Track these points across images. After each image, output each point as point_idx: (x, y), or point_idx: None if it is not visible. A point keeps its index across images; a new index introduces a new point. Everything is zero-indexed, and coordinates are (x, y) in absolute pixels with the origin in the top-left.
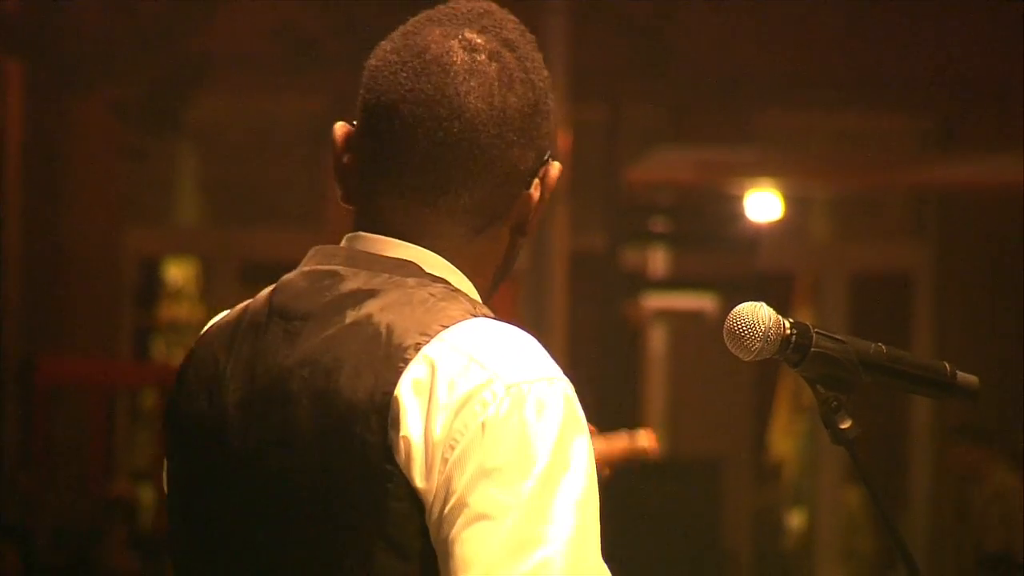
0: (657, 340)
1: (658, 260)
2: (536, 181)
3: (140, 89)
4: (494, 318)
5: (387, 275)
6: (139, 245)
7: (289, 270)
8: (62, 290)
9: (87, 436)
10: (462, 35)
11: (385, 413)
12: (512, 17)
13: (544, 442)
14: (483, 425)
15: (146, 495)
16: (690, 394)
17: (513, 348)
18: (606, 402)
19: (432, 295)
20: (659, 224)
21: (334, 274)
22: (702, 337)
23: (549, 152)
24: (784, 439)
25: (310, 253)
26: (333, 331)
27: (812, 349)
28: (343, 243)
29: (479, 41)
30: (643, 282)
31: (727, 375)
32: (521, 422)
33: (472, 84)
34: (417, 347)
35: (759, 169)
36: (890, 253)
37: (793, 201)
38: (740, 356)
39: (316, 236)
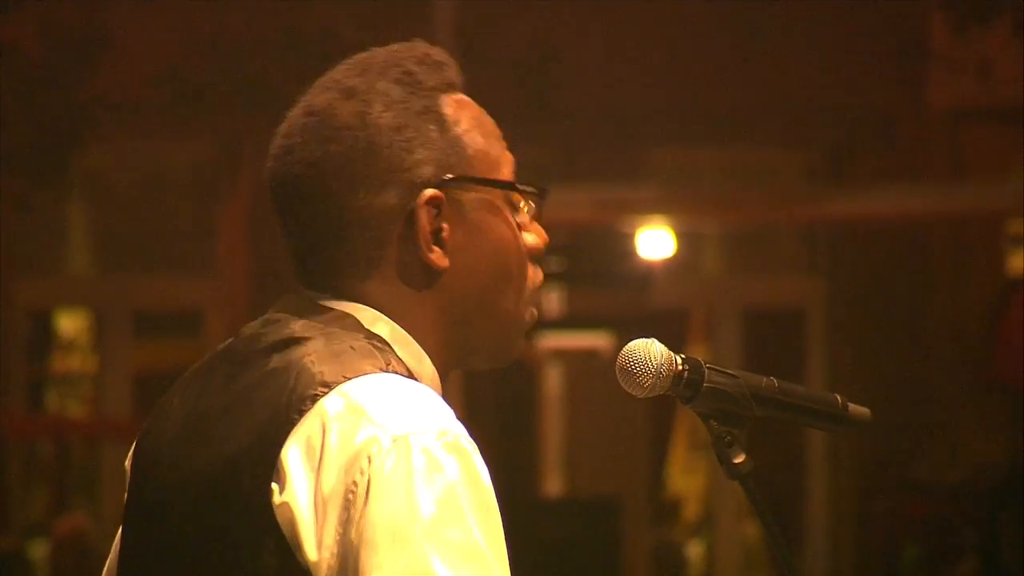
0: (553, 379)
1: (552, 300)
2: (411, 213)
3: (26, 139)
4: (405, 375)
5: (323, 325)
6: (29, 297)
7: (182, 318)
8: None
9: None
10: (306, 101)
11: (270, 472)
12: (376, 56)
13: (431, 495)
14: (369, 481)
15: (37, 550)
16: (587, 432)
17: (408, 403)
18: (504, 441)
19: (352, 348)
20: (552, 264)
21: (278, 320)
22: (597, 375)
23: (433, 179)
24: (682, 475)
25: (280, 298)
26: (256, 376)
27: (704, 384)
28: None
29: (316, 102)
30: (538, 322)
31: (623, 413)
32: (407, 475)
33: (295, 148)
34: (314, 399)
35: (651, 206)
36: (782, 287)
37: (685, 237)
38: (633, 393)
39: (209, 283)
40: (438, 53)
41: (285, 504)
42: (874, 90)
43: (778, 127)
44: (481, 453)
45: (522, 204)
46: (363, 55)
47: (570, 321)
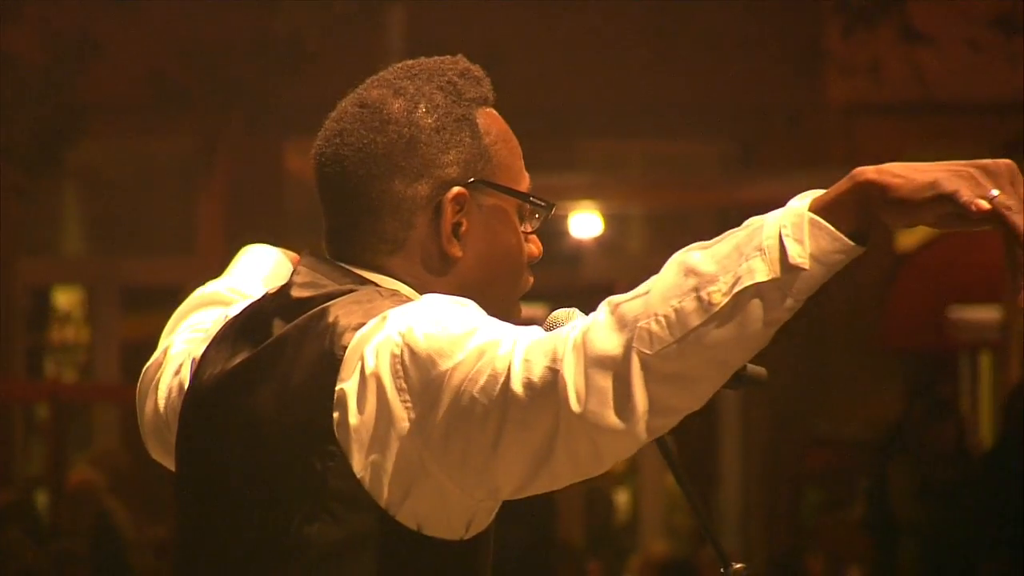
0: None
1: None
2: (438, 205)
3: (24, 133)
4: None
5: (349, 285)
6: (29, 274)
7: (166, 293)
8: None
9: None
10: (358, 94)
11: (328, 402)
12: (425, 64)
13: (445, 311)
14: (404, 348)
15: (37, 501)
16: None
17: (425, 304)
18: None
19: (379, 294)
20: None
21: (309, 281)
22: None
23: (460, 179)
24: None
25: (302, 261)
26: (293, 326)
27: None
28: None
29: (368, 96)
30: None
31: None
32: (432, 306)
33: (345, 132)
34: (358, 327)
35: (582, 192)
36: None
37: (612, 219)
38: None
39: (189, 261)
40: (477, 70)
41: (343, 425)
42: (778, 88)
43: (695, 121)
44: None
45: (530, 216)
46: (412, 61)
47: None
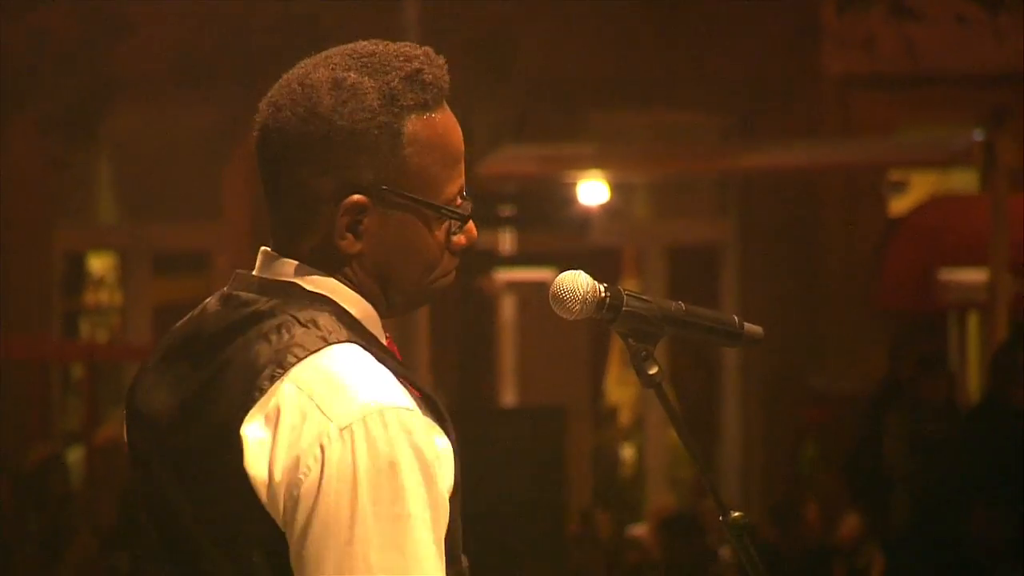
0: (507, 307)
1: (506, 240)
2: (340, 206)
3: (61, 106)
4: (347, 341)
5: (271, 299)
6: (65, 241)
7: (194, 258)
8: (0, 280)
9: (26, 404)
10: (306, 69)
11: (237, 443)
12: (380, 55)
13: (374, 484)
14: (322, 471)
15: (74, 455)
16: (537, 352)
17: (352, 384)
18: (466, 361)
19: (300, 322)
20: (506, 210)
21: (235, 298)
22: (545, 304)
23: (370, 182)
24: (617, 387)
25: (232, 276)
26: (221, 359)
27: (623, 308)
28: (258, 258)
29: (311, 78)
30: (494, 259)
31: (567, 335)
32: (353, 467)
33: (281, 107)
34: (272, 379)
35: (589, 161)
36: (700, 229)
37: (618, 187)
38: (564, 316)
39: (216, 228)
40: (431, 70)
41: (251, 476)
42: (776, 62)
43: (697, 93)
44: (440, 380)
45: (446, 221)
46: (372, 47)
47: (521, 258)
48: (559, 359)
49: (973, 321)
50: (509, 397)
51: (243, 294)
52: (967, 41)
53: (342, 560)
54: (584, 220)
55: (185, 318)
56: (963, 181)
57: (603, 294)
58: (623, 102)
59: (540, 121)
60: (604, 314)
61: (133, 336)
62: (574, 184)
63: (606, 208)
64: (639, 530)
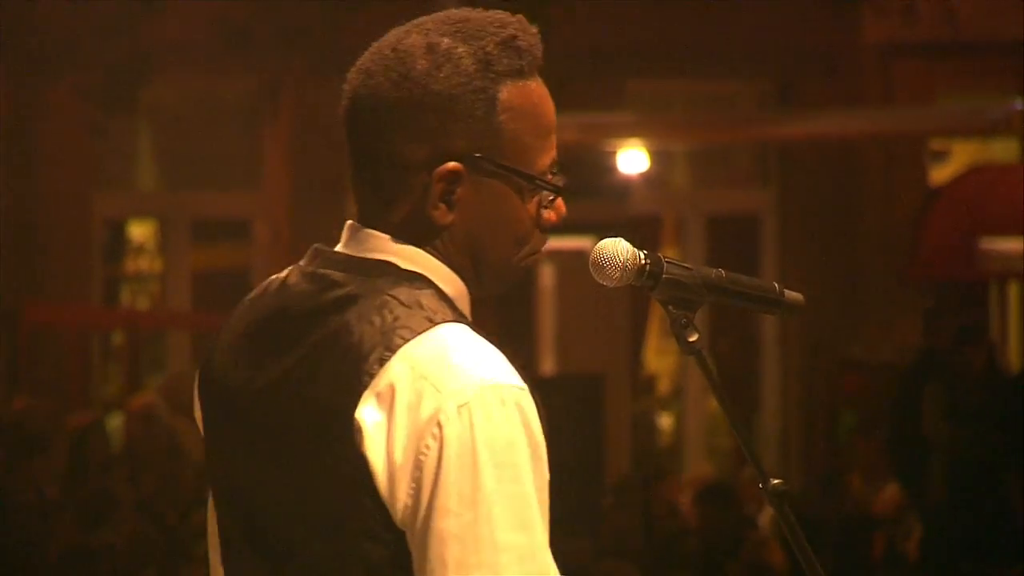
0: (547, 276)
1: None
2: (434, 174)
3: (101, 74)
4: (453, 320)
5: (366, 279)
6: (105, 208)
7: (233, 226)
8: (41, 248)
9: (67, 371)
10: (398, 36)
11: (351, 428)
12: (473, 21)
13: (492, 459)
14: (441, 447)
15: (113, 422)
16: (576, 320)
17: (464, 362)
18: (506, 329)
19: (401, 302)
20: None
21: (324, 277)
22: (584, 272)
23: (464, 150)
24: (656, 356)
25: (310, 252)
26: (319, 337)
27: (663, 276)
28: (344, 232)
29: (403, 43)
30: None
31: (607, 303)
32: (472, 442)
33: (372, 73)
34: (382, 362)
35: (629, 130)
36: (739, 198)
37: (657, 155)
38: (604, 283)
39: (255, 196)
40: (526, 37)
41: (366, 457)
42: (817, 29)
43: (736, 61)
44: (497, 346)
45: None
46: (465, 13)
47: (561, 227)
48: (598, 328)
49: (1014, 291)
50: (548, 365)
51: (332, 273)
52: (1008, 9)
53: (467, 539)
54: (623, 189)
55: (256, 293)
56: (1004, 150)
57: (643, 261)
58: (663, 71)
59: (579, 90)
60: (644, 281)
61: (173, 303)
62: (614, 153)
63: (645, 177)
64: (678, 498)
